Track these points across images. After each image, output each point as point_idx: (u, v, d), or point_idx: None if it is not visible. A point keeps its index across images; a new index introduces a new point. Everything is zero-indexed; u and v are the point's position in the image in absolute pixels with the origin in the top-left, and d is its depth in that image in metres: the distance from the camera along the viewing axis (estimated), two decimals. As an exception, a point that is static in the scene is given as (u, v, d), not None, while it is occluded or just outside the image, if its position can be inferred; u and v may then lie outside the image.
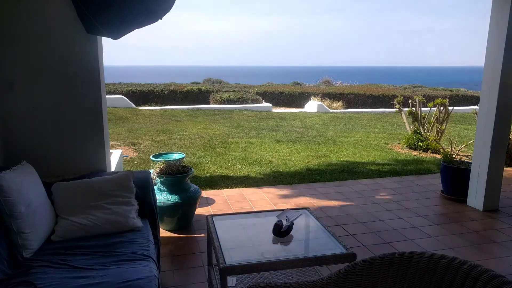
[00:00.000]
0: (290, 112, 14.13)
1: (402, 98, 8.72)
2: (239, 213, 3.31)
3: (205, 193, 4.79)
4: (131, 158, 6.65)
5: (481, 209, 4.40)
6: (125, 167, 5.98)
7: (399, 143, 8.37)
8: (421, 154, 7.32)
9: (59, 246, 2.32)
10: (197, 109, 13.33)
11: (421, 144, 7.60)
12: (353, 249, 2.57)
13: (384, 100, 16.80)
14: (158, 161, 3.85)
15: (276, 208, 4.20)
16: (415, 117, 7.72)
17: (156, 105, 14.87)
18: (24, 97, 2.89)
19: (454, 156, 5.05)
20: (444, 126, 7.43)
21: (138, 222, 2.60)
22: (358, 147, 7.88)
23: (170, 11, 2.79)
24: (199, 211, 4.16)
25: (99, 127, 3.09)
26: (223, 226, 2.66)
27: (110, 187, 2.63)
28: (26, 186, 2.32)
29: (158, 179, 3.66)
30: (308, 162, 6.51)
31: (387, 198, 4.77)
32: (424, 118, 7.78)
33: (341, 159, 6.78)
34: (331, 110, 14.51)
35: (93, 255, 2.24)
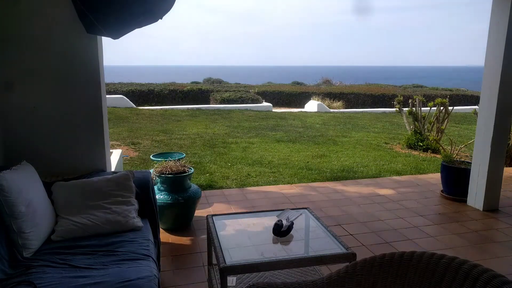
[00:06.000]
0: (290, 112, 14.13)
1: (402, 98, 8.71)
2: (239, 213, 3.31)
3: (205, 193, 4.79)
4: (131, 158, 6.65)
5: (481, 209, 4.40)
6: (125, 167, 5.98)
7: (399, 143, 8.37)
8: (421, 154, 7.32)
9: (59, 245, 2.32)
10: (197, 108, 13.32)
11: (421, 144, 7.60)
12: (353, 249, 2.57)
13: (384, 100, 16.81)
14: (158, 160, 3.85)
15: (276, 208, 4.20)
16: (415, 117, 7.72)
17: (156, 105, 14.87)
18: (24, 97, 2.89)
19: (454, 156, 5.05)
20: (444, 126, 7.43)
21: (138, 222, 2.60)
22: (358, 147, 7.88)
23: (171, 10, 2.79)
24: (199, 211, 4.16)
25: (99, 127, 3.09)
26: (223, 225, 2.66)
27: (110, 187, 2.63)
28: (26, 185, 2.32)
29: (158, 179, 3.66)
30: (308, 162, 6.51)
31: (387, 198, 4.77)
32: (424, 117, 7.78)
33: (341, 159, 6.78)
34: (331, 110, 14.51)
35: (93, 255, 2.24)
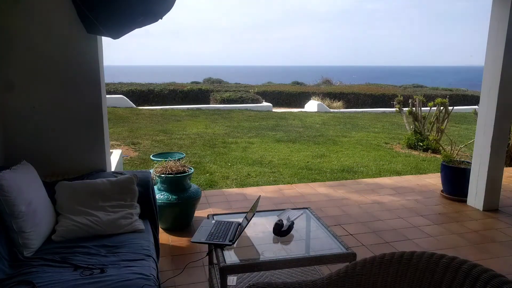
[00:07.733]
0: (290, 112, 14.13)
1: (402, 98, 8.72)
2: (240, 213, 3.31)
3: (205, 193, 4.79)
4: (131, 157, 6.65)
5: (481, 208, 4.40)
6: (125, 167, 5.98)
7: (399, 143, 8.38)
8: (421, 154, 7.32)
9: (59, 245, 2.32)
10: (197, 108, 13.33)
11: (421, 144, 7.60)
12: (353, 248, 2.58)
13: (384, 100, 16.80)
14: (158, 160, 3.85)
15: (276, 208, 4.20)
16: (415, 117, 7.72)
17: (156, 104, 14.87)
18: (24, 97, 2.89)
19: (454, 155, 5.05)
20: (444, 126, 7.43)
21: (140, 225, 2.59)
22: (358, 147, 7.88)
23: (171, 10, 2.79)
24: (199, 211, 4.16)
25: (99, 127, 3.09)
26: (223, 225, 2.65)
27: (114, 190, 2.63)
28: (26, 185, 2.32)
29: (158, 179, 3.66)
30: (308, 162, 6.51)
31: (387, 198, 4.77)
32: (424, 117, 7.78)
33: (341, 159, 6.78)
34: (331, 110, 14.52)
35: (93, 255, 2.24)
